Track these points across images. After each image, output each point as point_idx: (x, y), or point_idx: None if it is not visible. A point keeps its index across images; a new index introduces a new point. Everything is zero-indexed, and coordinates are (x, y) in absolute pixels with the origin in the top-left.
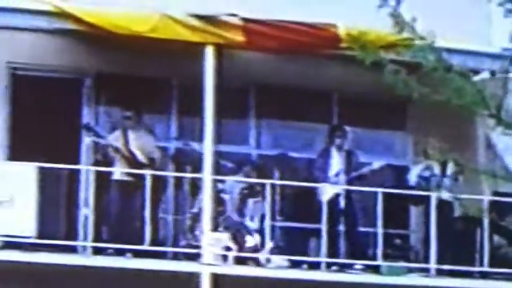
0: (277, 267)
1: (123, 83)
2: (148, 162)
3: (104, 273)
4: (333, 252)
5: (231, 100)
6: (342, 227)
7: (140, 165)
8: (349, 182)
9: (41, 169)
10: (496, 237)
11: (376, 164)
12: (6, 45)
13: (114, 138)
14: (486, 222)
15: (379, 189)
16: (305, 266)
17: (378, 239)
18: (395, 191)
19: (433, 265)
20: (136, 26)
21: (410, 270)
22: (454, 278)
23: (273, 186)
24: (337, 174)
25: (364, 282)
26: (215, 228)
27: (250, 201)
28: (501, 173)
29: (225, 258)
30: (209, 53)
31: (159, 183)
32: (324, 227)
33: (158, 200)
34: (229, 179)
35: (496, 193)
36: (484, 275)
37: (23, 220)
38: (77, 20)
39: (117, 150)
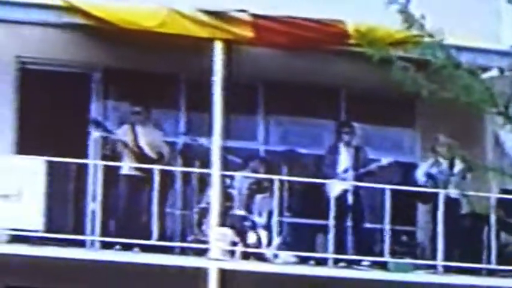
0: (285, 263)
1: (132, 78)
2: (156, 157)
3: (112, 267)
4: (340, 248)
5: (240, 96)
6: (349, 223)
7: (148, 160)
8: (358, 178)
9: (49, 163)
10: (503, 235)
11: (385, 161)
12: (15, 39)
13: (123, 133)
14: (493, 219)
15: (387, 186)
16: (312, 262)
17: (385, 235)
18: (403, 187)
19: (440, 262)
20: (145, 21)
21: (418, 267)
22: (461, 275)
23: (281, 182)
24: (345, 171)
25: (371, 279)
26: (223, 224)
27: (258, 197)
28: (509, 171)
29: (232, 253)
30: (218, 48)
31: (167, 178)
32: (331, 223)
33: (166, 195)
34: (237, 174)
35: (504, 191)
36: (491, 273)
37: (30, 214)
38: (86, 14)
39: (125, 145)
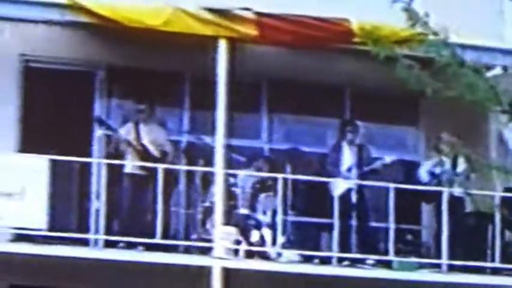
0: (289, 261)
1: (136, 77)
2: (160, 155)
3: (115, 266)
4: (344, 247)
5: (243, 94)
6: (353, 222)
7: (152, 159)
8: (361, 176)
9: (53, 161)
10: (508, 233)
11: (388, 159)
12: (19, 37)
13: (126, 132)
14: (498, 218)
15: (391, 185)
16: (316, 260)
17: (390, 234)
18: (407, 186)
19: (444, 261)
20: (149, 19)
21: (422, 266)
22: (465, 274)
23: (284, 180)
24: (349, 169)
25: (376, 278)
26: (227, 223)
27: (262, 196)
28: None
29: (236, 252)
30: (222, 46)
31: (171, 176)
32: (335, 221)
33: (170, 194)
34: (241, 173)
35: (508, 189)
36: (495, 271)
37: (34, 212)
38: (90, 12)
39: (129, 143)
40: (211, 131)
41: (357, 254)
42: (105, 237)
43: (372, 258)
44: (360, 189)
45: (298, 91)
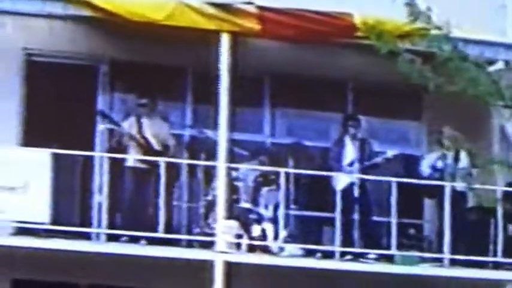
0: (291, 255)
1: (138, 71)
2: (162, 149)
3: (118, 260)
4: (346, 241)
5: (246, 88)
6: (356, 216)
7: (154, 153)
8: (364, 171)
9: (56, 155)
10: (510, 228)
11: (391, 153)
12: (21, 31)
13: (129, 125)
14: (500, 212)
15: (393, 179)
16: (319, 255)
17: (392, 228)
18: (409, 180)
19: (446, 255)
20: (152, 13)
21: (424, 260)
22: (467, 269)
23: (287, 174)
24: (351, 164)
25: (378, 272)
26: (229, 217)
27: (265, 190)
28: None
29: (238, 246)
30: (224, 41)
31: (173, 170)
32: (338, 216)
33: (172, 188)
34: (244, 167)
35: (510, 183)
36: (497, 266)
37: (37, 206)
38: (93, 6)
39: (131, 137)
40: (214, 125)
41: (359, 249)
42: (107, 231)
43: (374, 252)
44: (362, 183)
45: (300, 85)
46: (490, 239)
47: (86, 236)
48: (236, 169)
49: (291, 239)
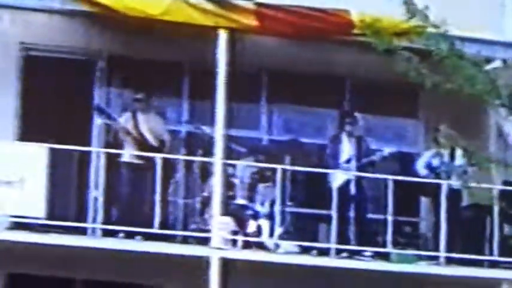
0: (287, 252)
1: (136, 66)
2: (158, 144)
3: (114, 255)
4: (342, 238)
5: (243, 85)
6: (352, 214)
7: (150, 148)
8: (360, 168)
9: (52, 150)
10: (506, 227)
11: (387, 151)
12: (19, 26)
13: (125, 120)
14: (496, 211)
15: (390, 177)
16: (314, 252)
17: (388, 226)
18: (406, 178)
19: (442, 253)
20: (149, 8)
21: (420, 258)
22: (463, 267)
23: (283, 171)
24: (347, 161)
25: (374, 269)
26: (225, 213)
27: (261, 186)
28: None
29: (234, 242)
30: (222, 37)
31: (169, 166)
32: (334, 213)
33: (168, 183)
34: (240, 163)
35: (506, 182)
36: (493, 264)
37: (33, 201)
38: (90, 1)
39: (127, 132)
40: (211, 121)
41: (355, 246)
42: (103, 226)
43: (370, 250)
44: (359, 181)
45: (298, 82)
46: (486, 237)
47: (82, 231)
48: (233, 165)
49: (286, 235)
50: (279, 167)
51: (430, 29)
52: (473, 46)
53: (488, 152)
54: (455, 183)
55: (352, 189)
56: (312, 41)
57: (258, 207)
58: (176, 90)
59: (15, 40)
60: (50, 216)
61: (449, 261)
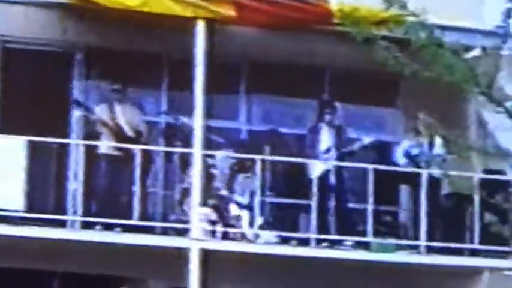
0: (267, 243)
1: (114, 58)
2: (135, 135)
3: (93, 247)
4: (322, 228)
5: (222, 75)
6: (332, 203)
7: (127, 139)
8: (340, 158)
9: (31, 143)
10: (487, 215)
11: (367, 140)
12: None
13: (101, 112)
14: (477, 199)
15: (370, 166)
16: (295, 242)
17: (368, 215)
18: (385, 167)
19: (423, 242)
20: (128, 0)
21: (400, 247)
22: (444, 256)
23: (263, 161)
24: (327, 151)
25: (354, 259)
26: (204, 204)
27: (240, 177)
28: (492, 151)
29: (213, 233)
30: (200, 27)
31: (147, 157)
32: (314, 203)
33: (146, 175)
34: (220, 154)
35: (487, 171)
36: (474, 253)
37: (11, 194)
38: None
39: (104, 123)
40: (190, 112)
41: (335, 236)
42: (82, 218)
43: (350, 239)
44: (338, 170)
45: (277, 72)
46: (466, 225)
47: (61, 224)
48: (212, 156)
49: (266, 226)
50: (258, 157)
51: (409, 18)
52: (452, 34)
53: (469, 141)
54: (435, 171)
55: (332, 179)
56: (291, 31)
57: (237, 197)
58: (155, 82)
59: None
60: (29, 208)
61: (430, 250)
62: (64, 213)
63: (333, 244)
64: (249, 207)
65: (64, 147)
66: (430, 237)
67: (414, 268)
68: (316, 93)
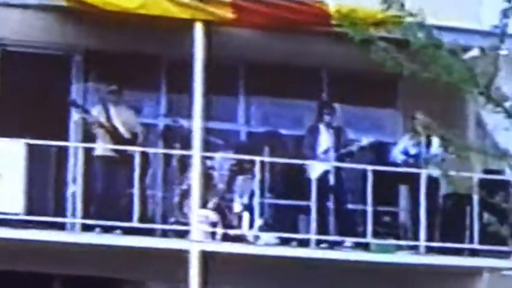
0: (267, 244)
1: (113, 60)
2: (131, 137)
3: (93, 250)
4: (322, 229)
5: (220, 77)
6: (331, 204)
7: (123, 140)
8: (339, 159)
9: (29, 146)
10: (486, 215)
11: (366, 141)
12: None
13: (97, 112)
14: (476, 199)
15: (369, 167)
16: (295, 243)
17: (367, 216)
18: (384, 168)
19: (422, 243)
20: (125, 2)
21: (400, 248)
22: (443, 256)
23: (262, 163)
24: (326, 151)
25: (354, 260)
26: (204, 206)
27: (240, 178)
28: (491, 151)
29: (213, 235)
30: (198, 29)
31: (145, 159)
32: (313, 204)
33: (144, 176)
34: (218, 155)
35: (486, 171)
36: (473, 253)
37: (11, 196)
38: None
39: (100, 124)
40: (188, 114)
41: (335, 237)
42: (82, 221)
43: (349, 240)
44: (337, 171)
45: (275, 74)
46: (466, 226)
47: (61, 226)
48: (211, 158)
49: (266, 227)
50: (257, 158)
51: (407, 19)
52: (450, 35)
53: (467, 141)
54: (434, 172)
55: (331, 179)
56: (289, 32)
57: (237, 199)
58: (153, 84)
59: None
60: (28, 211)
61: (429, 250)
62: (63, 215)
63: (333, 245)
64: (249, 209)
65: (63, 150)
66: (430, 237)
67: (414, 268)
68: (315, 94)
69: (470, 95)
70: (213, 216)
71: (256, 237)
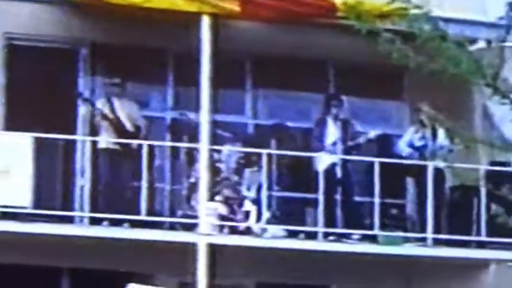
0: (274, 237)
1: (119, 53)
2: (134, 130)
3: (101, 243)
4: (330, 221)
5: (227, 70)
6: (338, 197)
7: (127, 133)
8: (346, 151)
9: (37, 139)
10: (493, 206)
11: (373, 133)
12: (3, 16)
13: (102, 105)
14: (483, 191)
15: (376, 159)
16: (302, 235)
17: (375, 208)
18: (392, 160)
19: (429, 235)
20: None
21: (407, 240)
22: (450, 248)
23: (269, 156)
24: (333, 144)
25: (361, 252)
26: (212, 199)
27: (247, 171)
28: (498, 143)
29: (221, 228)
30: (205, 22)
31: (150, 152)
32: (320, 196)
33: (152, 169)
34: (226, 148)
35: (493, 163)
36: (481, 245)
37: (19, 190)
38: None
39: (105, 116)
40: (196, 107)
41: (342, 229)
42: (90, 214)
43: (357, 232)
44: (345, 164)
45: (282, 66)
46: (473, 218)
47: (69, 220)
48: (218, 151)
49: (274, 220)
50: (264, 151)
51: (413, 11)
52: (456, 27)
53: (474, 133)
54: (441, 164)
55: (338, 172)
56: (295, 25)
57: (245, 192)
58: (160, 77)
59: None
60: (37, 205)
61: (437, 242)
62: (71, 209)
63: (340, 237)
64: (256, 202)
65: (70, 143)
66: (437, 229)
67: (421, 260)
68: (321, 86)
69: (477, 87)
70: (222, 209)
71: (264, 230)
